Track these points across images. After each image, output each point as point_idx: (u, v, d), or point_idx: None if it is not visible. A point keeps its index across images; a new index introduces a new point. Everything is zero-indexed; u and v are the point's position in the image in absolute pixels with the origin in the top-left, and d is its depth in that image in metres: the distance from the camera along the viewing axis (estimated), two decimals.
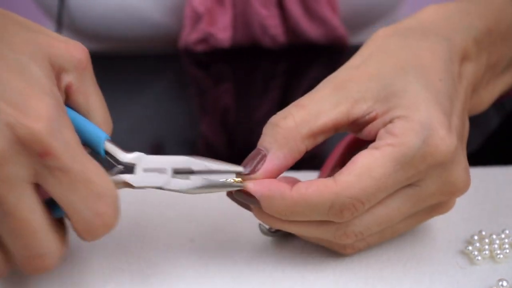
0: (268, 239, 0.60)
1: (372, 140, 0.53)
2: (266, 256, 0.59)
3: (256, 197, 0.51)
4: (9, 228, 0.48)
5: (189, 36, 0.87)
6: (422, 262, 0.57)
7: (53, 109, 0.46)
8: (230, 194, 0.54)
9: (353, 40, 0.94)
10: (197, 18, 0.86)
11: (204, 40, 0.87)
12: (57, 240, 0.50)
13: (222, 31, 0.86)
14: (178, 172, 0.51)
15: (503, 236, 0.59)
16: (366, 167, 0.50)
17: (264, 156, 0.52)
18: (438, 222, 0.60)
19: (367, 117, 0.53)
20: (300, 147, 0.52)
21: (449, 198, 0.54)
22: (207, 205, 0.63)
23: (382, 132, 0.52)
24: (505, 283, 0.54)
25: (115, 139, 0.52)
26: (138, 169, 0.52)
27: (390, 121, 0.52)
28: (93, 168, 0.48)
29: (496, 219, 0.61)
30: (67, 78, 0.51)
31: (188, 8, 0.86)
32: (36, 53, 0.49)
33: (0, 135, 0.45)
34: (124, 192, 0.52)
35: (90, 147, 0.53)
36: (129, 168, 0.52)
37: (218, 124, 0.77)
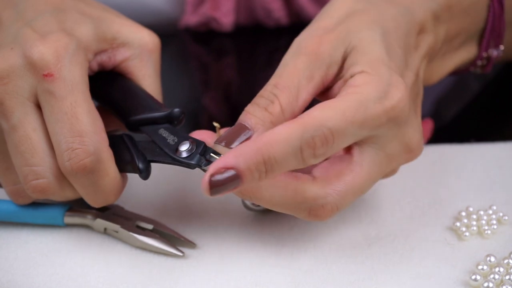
0: (254, 215, 0.60)
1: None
2: (254, 233, 0.59)
3: (233, 166, 0.48)
4: (13, 143, 0.53)
5: (190, 19, 0.88)
6: (411, 239, 0.58)
7: (70, 48, 0.53)
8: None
9: None
10: (199, 2, 0.87)
11: (205, 23, 0.88)
12: (54, 166, 0.54)
13: (225, 16, 0.87)
14: (138, 226, 0.58)
15: (490, 212, 0.59)
16: (328, 104, 0.50)
17: (250, 135, 0.52)
18: (426, 199, 0.61)
19: (336, 78, 0.54)
20: None
21: (406, 160, 0.55)
22: (194, 185, 0.63)
23: (343, 87, 0.52)
24: (492, 259, 0.55)
25: None
26: None
27: (351, 76, 0.52)
28: (85, 108, 0.53)
29: (483, 195, 0.62)
30: (127, 52, 0.58)
31: None
32: (96, 20, 0.57)
33: (17, 52, 0.53)
34: None
35: None
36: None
37: (221, 97, 0.78)
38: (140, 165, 0.53)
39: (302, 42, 0.54)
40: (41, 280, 0.55)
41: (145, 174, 0.54)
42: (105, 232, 0.58)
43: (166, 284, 0.55)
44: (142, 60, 0.59)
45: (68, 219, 0.58)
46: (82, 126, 0.52)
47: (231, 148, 0.51)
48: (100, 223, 0.58)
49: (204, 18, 0.87)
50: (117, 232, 0.57)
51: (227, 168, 0.48)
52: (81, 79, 0.53)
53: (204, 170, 0.52)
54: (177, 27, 0.89)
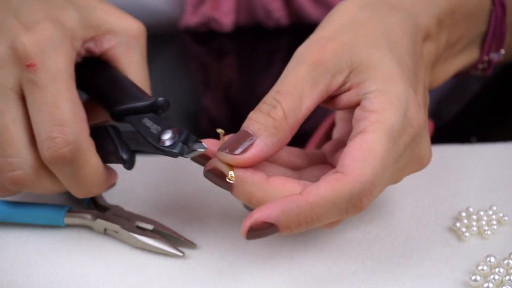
0: None
1: (343, 109, 0.54)
2: None
3: (274, 222, 0.49)
4: None
5: (190, 20, 0.88)
6: (411, 239, 0.58)
7: (55, 38, 0.53)
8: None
9: None
10: (199, 2, 0.87)
11: (205, 24, 0.88)
12: (32, 158, 0.53)
13: (225, 16, 0.86)
14: (138, 227, 0.58)
15: (490, 212, 0.59)
16: (367, 151, 0.50)
17: (254, 141, 0.52)
18: (426, 199, 0.61)
19: (342, 88, 0.53)
20: (288, 137, 0.52)
21: (415, 171, 0.55)
22: (194, 185, 0.63)
23: (359, 112, 0.52)
24: (492, 259, 0.55)
25: None
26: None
27: (365, 95, 0.52)
28: (66, 98, 0.52)
29: (483, 195, 0.62)
30: (112, 40, 0.58)
31: None
32: (80, 7, 0.57)
33: (1, 43, 0.53)
34: None
35: None
36: None
37: (221, 97, 0.78)
38: (124, 156, 0.53)
39: (305, 51, 0.54)
40: (41, 280, 0.55)
41: (129, 164, 0.54)
42: (105, 232, 0.58)
43: (166, 284, 0.54)
44: (128, 47, 0.58)
45: (68, 220, 0.58)
46: (63, 115, 0.52)
47: (234, 154, 0.51)
48: (100, 223, 0.58)
49: (204, 18, 0.87)
50: (117, 232, 0.57)
51: (268, 223, 0.49)
52: (64, 68, 0.53)
53: (189, 158, 0.53)
54: (177, 27, 0.89)
